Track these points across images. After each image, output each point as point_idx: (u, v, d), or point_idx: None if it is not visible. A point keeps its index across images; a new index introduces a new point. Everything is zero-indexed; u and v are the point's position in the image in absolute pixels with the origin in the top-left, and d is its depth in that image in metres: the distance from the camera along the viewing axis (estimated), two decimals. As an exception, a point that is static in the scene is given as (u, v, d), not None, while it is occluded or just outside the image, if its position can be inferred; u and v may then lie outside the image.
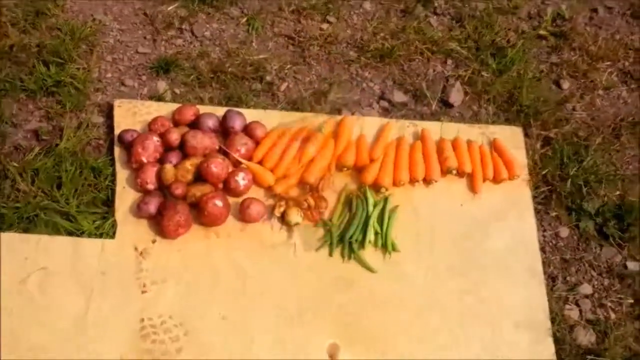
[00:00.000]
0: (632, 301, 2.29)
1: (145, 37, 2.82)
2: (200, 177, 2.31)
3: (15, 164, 2.35)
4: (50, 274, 2.11)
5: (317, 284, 2.19)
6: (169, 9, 2.90)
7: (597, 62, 2.93)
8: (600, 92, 2.86)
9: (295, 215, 2.27)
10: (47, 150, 2.42)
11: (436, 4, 3.05)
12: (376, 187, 2.40)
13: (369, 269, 2.23)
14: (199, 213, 2.22)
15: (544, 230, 2.43)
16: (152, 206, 2.24)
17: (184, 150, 2.37)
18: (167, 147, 2.38)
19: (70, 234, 2.22)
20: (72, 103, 2.53)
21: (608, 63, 2.95)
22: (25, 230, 2.21)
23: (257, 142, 2.45)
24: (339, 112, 2.65)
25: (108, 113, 2.54)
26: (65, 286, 2.10)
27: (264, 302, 2.14)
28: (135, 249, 2.20)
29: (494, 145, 2.58)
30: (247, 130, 2.45)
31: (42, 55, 2.65)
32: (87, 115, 2.53)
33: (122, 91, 2.64)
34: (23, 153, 2.41)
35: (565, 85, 2.85)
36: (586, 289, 2.32)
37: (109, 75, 2.68)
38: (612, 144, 2.66)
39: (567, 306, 2.26)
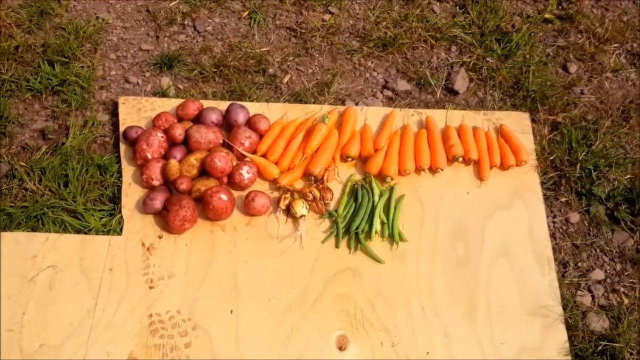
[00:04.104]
0: (644, 285, 2.27)
1: (148, 34, 2.82)
2: (204, 171, 2.31)
3: (22, 164, 2.37)
4: (59, 271, 2.13)
5: (324, 276, 2.18)
6: (171, 5, 2.90)
7: (605, 45, 2.90)
8: (609, 74, 2.83)
9: (300, 207, 2.26)
10: (53, 149, 2.44)
11: (439, -9, 3.04)
12: (381, 176, 2.39)
13: (376, 259, 2.22)
14: (204, 207, 2.23)
15: (554, 216, 2.41)
16: (158, 202, 2.24)
17: (188, 145, 2.38)
18: (171, 143, 2.39)
19: (77, 231, 2.23)
20: (77, 101, 2.55)
21: (615, 45, 2.92)
22: (33, 229, 2.22)
23: (261, 135, 2.44)
24: (342, 102, 2.65)
25: (113, 110, 2.55)
26: (74, 283, 2.11)
27: (271, 295, 2.13)
28: (142, 244, 2.21)
29: (500, 132, 2.55)
30: (251, 123, 2.45)
31: (47, 54, 2.67)
32: (92, 113, 2.54)
33: (126, 88, 2.65)
34: (30, 152, 2.43)
35: (573, 68, 2.82)
36: (598, 274, 2.29)
37: (113, 72, 2.69)
38: (621, 126, 2.63)
39: (580, 292, 2.24)
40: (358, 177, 2.42)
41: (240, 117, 2.44)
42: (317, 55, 2.80)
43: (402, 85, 2.72)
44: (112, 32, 2.81)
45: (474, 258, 2.26)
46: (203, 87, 2.65)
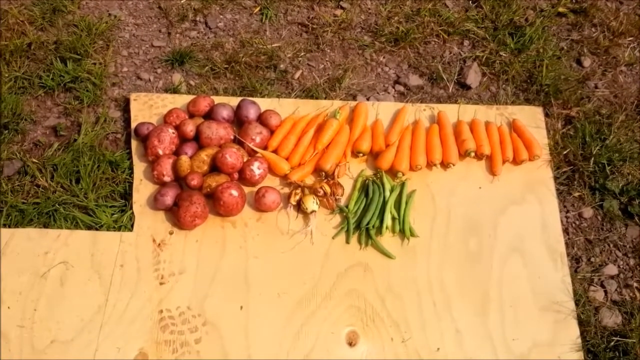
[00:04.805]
0: (658, 281, 2.25)
1: (160, 31, 2.83)
2: (215, 167, 2.32)
3: (34, 160, 2.39)
4: (70, 267, 2.14)
5: (334, 272, 2.18)
6: (183, 1, 2.91)
7: (619, 38, 2.87)
8: (623, 68, 2.79)
9: (311, 203, 2.26)
10: (65, 145, 2.45)
11: (452, -15, 3.02)
12: (393, 172, 2.38)
13: (387, 255, 2.21)
14: (215, 203, 2.23)
15: (567, 211, 2.39)
16: (169, 198, 2.25)
17: (199, 141, 2.38)
18: (182, 139, 2.39)
19: (89, 227, 2.24)
20: (89, 98, 2.56)
21: (630, 38, 2.88)
22: (45, 225, 2.24)
23: (272, 131, 2.44)
24: (354, 98, 2.63)
25: (124, 107, 2.56)
26: (85, 279, 2.12)
27: (281, 291, 2.13)
28: (153, 240, 2.22)
29: (513, 126, 2.53)
30: (262, 119, 2.45)
31: (59, 52, 2.68)
32: (104, 109, 2.55)
33: (138, 85, 2.66)
34: (42, 149, 2.45)
35: (587, 62, 2.79)
36: (611, 269, 2.27)
37: (125, 69, 2.70)
38: (635, 120, 2.60)
39: (592, 287, 2.22)
40: (369, 172, 2.41)
41: (251, 113, 2.44)
42: (328, 50, 2.79)
43: (414, 80, 2.70)
44: (124, 29, 2.82)
45: (486, 253, 2.24)
46: (214, 83, 2.65)
